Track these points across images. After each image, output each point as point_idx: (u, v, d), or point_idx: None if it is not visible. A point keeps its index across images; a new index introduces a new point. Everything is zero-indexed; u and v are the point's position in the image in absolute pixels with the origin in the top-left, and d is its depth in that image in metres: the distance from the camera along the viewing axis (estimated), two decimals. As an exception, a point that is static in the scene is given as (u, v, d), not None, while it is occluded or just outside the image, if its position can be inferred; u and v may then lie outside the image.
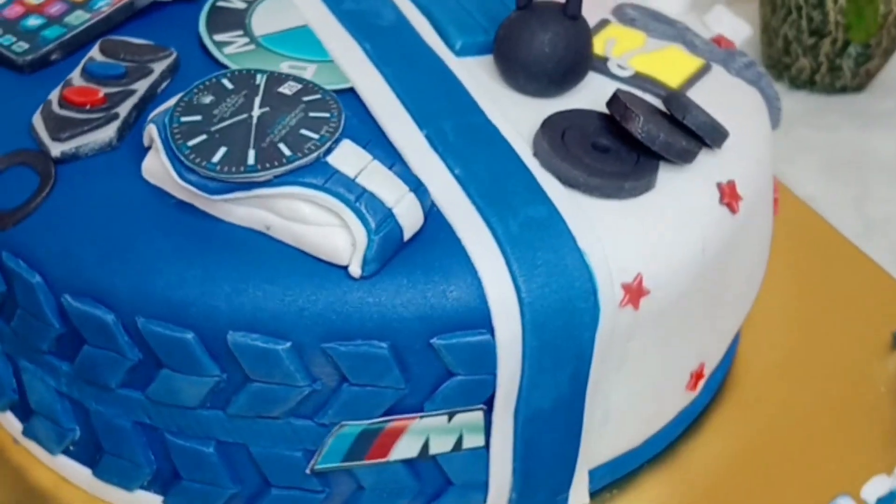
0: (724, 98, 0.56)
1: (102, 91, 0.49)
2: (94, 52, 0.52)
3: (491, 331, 0.45)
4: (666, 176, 0.50)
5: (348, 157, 0.44)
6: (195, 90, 0.46)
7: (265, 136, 0.44)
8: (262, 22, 0.56)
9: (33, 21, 0.54)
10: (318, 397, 0.45)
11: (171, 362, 0.45)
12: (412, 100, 0.51)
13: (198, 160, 0.44)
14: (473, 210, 0.46)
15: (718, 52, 0.59)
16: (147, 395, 0.46)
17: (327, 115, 0.45)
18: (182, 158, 0.44)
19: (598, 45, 0.57)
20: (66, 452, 0.51)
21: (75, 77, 0.51)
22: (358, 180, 0.44)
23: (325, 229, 0.44)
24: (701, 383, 0.55)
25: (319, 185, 0.43)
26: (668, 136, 0.49)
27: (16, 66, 0.52)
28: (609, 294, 0.46)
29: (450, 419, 0.47)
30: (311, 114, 0.45)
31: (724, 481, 0.55)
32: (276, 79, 0.47)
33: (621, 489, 0.54)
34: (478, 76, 0.53)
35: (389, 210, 0.44)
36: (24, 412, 0.51)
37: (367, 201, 0.44)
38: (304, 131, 0.45)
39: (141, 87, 0.50)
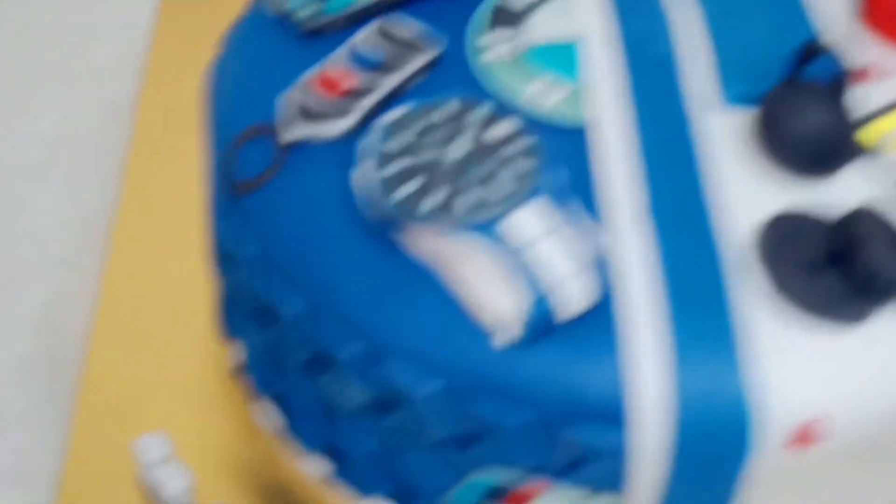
0: None
1: (353, 80, 0.51)
2: (366, 33, 0.53)
3: (626, 433, 0.43)
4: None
5: (528, 222, 0.43)
6: (419, 110, 0.47)
7: (455, 180, 0.44)
8: (538, 24, 0.55)
9: (326, -14, 0.56)
10: (450, 445, 0.46)
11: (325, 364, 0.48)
12: (646, 156, 0.48)
13: (388, 188, 0.44)
14: (652, 301, 0.44)
15: None
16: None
17: (527, 168, 0.44)
18: (376, 181, 0.45)
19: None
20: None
21: (337, 57, 0.52)
22: (529, 249, 0.43)
23: (483, 288, 0.44)
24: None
25: (487, 243, 0.43)
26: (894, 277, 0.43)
27: (293, 30, 0.55)
28: (773, 431, 0.43)
29: (589, 497, 0.46)
30: (511, 165, 0.44)
31: None
32: (494, 116, 0.46)
33: None
34: (729, 135, 0.49)
35: (552, 288, 0.43)
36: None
37: (530, 274, 0.43)
38: (495, 183, 0.44)
39: (389, 83, 0.51)
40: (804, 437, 0.43)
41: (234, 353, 0.57)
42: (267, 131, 0.51)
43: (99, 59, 0.81)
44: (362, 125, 0.50)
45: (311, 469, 0.54)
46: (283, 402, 0.53)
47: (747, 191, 0.47)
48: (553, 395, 0.43)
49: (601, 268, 0.44)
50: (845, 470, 0.45)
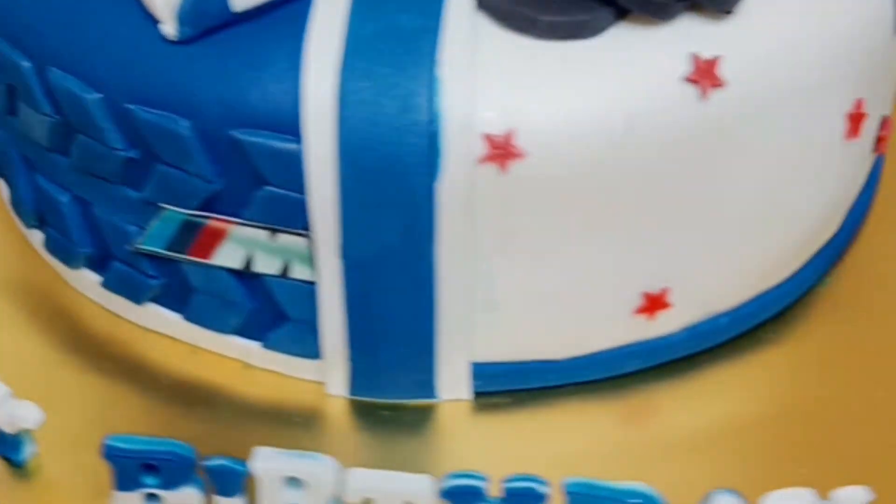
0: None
1: None
2: None
3: (301, 141, 0.38)
4: (630, 32, 0.39)
5: None
6: None
7: None
8: None
9: None
10: (138, 168, 0.41)
11: (19, 91, 0.43)
12: None
13: None
14: (343, 4, 0.39)
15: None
16: (18, 128, 0.45)
17: None
18: None
19: None
20: (38, 228, 0.48)
21: None
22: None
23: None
24: (664, 313, 0.44)
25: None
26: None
27: None
28: (460, 142, 0.37)
29: (273, 237, 0.41)
30: None
31: (686, 440, 0.44)
32: None
33: (526, 402, 0.44)
34: None
35: (215, -29, 0.38)
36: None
37: (192, -45, 0.38)
38: None
39: None
40: (497, 152, 0.38)
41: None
42: None
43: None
44: None
45: (77, 283, 0.48)
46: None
47: None
48: (217, 99, 0.39)
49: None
50: (550, 203, 0.39)
